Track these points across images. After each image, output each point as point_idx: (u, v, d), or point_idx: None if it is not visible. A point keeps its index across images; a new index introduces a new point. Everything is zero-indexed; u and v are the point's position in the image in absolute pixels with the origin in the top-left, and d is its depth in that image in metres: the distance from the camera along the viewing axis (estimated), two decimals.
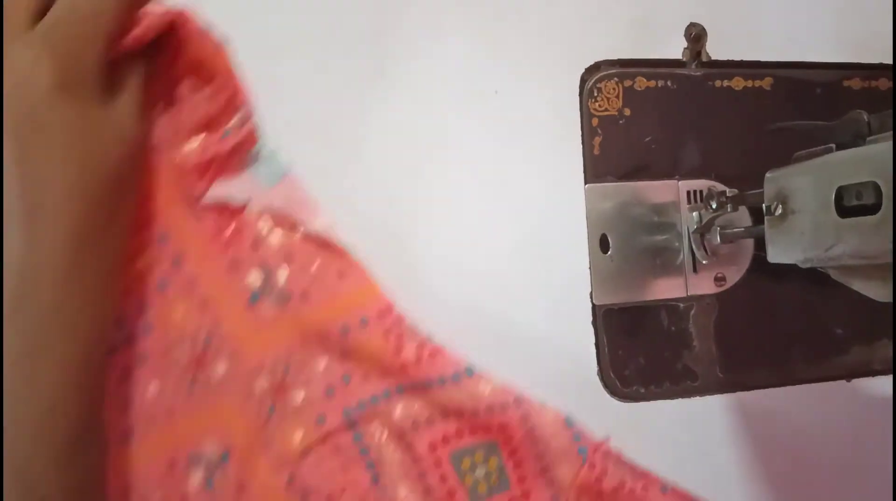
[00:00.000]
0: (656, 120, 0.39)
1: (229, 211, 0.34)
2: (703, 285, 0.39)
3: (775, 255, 0.33)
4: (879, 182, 0.27)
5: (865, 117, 0.30)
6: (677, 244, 0.39)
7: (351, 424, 0.34)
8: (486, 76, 0.37)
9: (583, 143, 0.38)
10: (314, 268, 0.34)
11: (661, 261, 0.39)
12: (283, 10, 0.39)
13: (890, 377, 0.42)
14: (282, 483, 0.33)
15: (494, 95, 0.37)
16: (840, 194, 0.29)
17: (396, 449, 0.34)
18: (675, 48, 0.39)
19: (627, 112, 0.38)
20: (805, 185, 0.31)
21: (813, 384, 0.40)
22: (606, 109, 0.38)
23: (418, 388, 0.35)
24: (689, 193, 0.39)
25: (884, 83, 0.42)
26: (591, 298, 0.37)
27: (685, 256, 0.39)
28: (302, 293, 0.34)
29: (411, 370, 0.35)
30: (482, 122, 0.37)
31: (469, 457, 0.35)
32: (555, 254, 0.37)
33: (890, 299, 0.29)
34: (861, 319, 0.41)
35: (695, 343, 0.38)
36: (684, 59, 0.39)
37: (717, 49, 0.40)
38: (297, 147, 0.35)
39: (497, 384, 0.36)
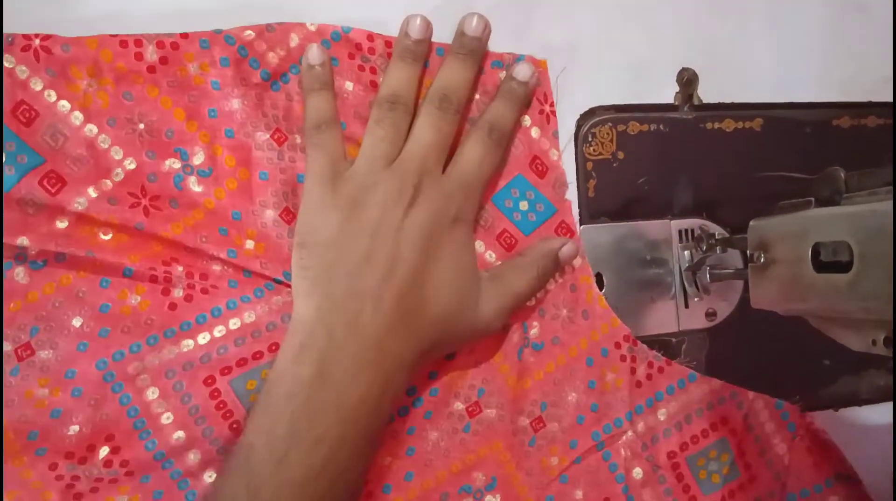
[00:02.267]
0: (649, 162, 0.40)
1: None
2: (695, 321, 0.41)
3: (758, 301, 0.34)
4: (852, 243, 0.28)
5: (843, 175, 0.31)
6: (669, 280, 0.41)
7: (600, 445, 0.39)
8: None
9: (577, 186, 0.39)
10: (563, 314, 0.39)
11: (653, 297, 0.40)
12: None
13: (877, 407, 0.43)
14: None
15: None
16: (817, 249, 0.31)
17: (640, 462, 0.39)
18: (667, 93, 0.41)
19: (621, 155, 0.40)
20: (785, 237, 0.32)
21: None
22: (601, 153, 0.40)
23: (652, 404, 0.40)
24: (680, 232, 0.41)
25: (872, 121, 0.43)
26: None
27: (677, 292, 0.41)
28: (552, 339, 0.39)
29: (645, 387, 0.39)
30: None
31: (703, 457, 0.40)
32: None
33: (865, 349, 0.30)
34: (848, 350, 0.42)
35: None
36: (676, 103, 0.41)
37: (708, 93, 0.41)
38: None
39: (716, 383, 0.40)
